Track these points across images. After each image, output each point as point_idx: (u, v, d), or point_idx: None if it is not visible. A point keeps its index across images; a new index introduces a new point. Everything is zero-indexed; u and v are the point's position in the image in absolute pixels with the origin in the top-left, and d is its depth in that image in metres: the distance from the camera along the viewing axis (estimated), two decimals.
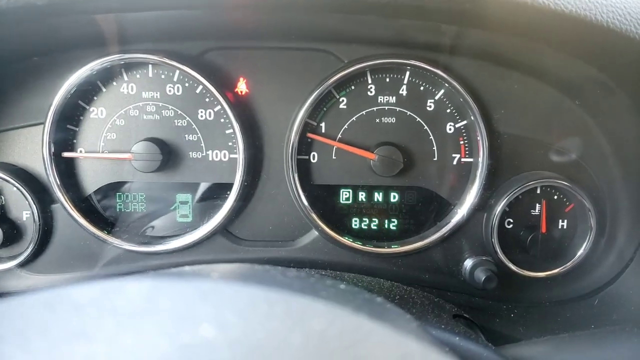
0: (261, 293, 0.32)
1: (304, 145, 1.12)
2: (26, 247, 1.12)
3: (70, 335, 0.28)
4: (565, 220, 1.13)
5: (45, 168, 1.09)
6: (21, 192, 1.10)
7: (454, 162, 1.13)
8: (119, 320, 0.29)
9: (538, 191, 1.12)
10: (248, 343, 0.27)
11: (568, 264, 1.12)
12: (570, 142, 1.11)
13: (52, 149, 1.08)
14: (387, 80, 1.10)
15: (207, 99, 1.11)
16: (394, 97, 1.11)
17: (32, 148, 1.11)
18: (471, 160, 1.12)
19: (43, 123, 1.08)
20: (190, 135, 1.12)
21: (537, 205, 1.13)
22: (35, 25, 0.86)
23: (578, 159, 1.11)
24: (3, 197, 1.13)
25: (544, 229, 1.12)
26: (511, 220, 1.13)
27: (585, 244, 1.11)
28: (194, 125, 1.12)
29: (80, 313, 0.29)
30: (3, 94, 1.08)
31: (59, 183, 1.09)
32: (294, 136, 1.09)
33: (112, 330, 0.28)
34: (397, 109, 1.11)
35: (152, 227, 1.16)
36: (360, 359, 0.27)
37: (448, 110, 1.11)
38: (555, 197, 1.13)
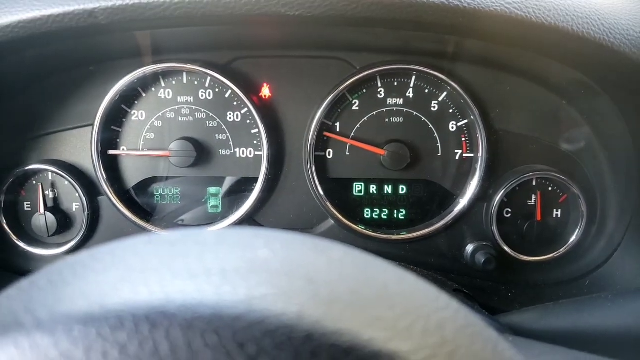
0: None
1: (321, 143, 1.24)
2: (76, 235, 1.25)
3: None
4: (559, 210, 1.23)
5: (94, 164, 1.22)
6: (72, 185, 1.23)
7: (457, 157, 1.23)
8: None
9: (534, 183, 1.22)
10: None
11: (561, 249, 1.21)
12: (562, 138, 1.20)
13: (100, 148, 1.22)
14: (395, 84, 1.21)
15: (235, 103, 1.23)
16: (402, 99, 1.22)
17: (82, 147, 1.24)
18: (472, 155, 1.22)
19: (92, 125, 1.21)
20: (220, 135, 1.24)
21: (533, 196, 1.22)
22: (91, 39, 0.99)
23: (570, 153, 1.21)
24: (56, 190, 1.26)
25: (539, 218, 1.21)
26: (509, 210, 1.23)
27: (577, 231, 1.21)
28: (224, 126, 1.24)
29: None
30: (59, 99, 1.21)
31: (105, 178, 1.22)
32: (312, 135, 1.21)
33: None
34: (405, 109, 1.22)
35: (186, 217, 1.29)
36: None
37: (450, 111, 1.22)
38: (550, 188, 1.22)
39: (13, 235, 1.24)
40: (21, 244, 1.24)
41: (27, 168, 1.22)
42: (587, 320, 0.79)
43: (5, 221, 1.23)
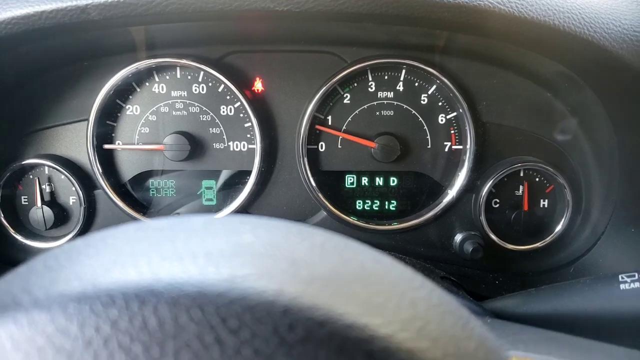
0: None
1: (313, 136, 1.26)
2: (73, 228, 1.27)
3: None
4: (546, 200, 1.26)
5: (89, 159, 1.24)
6: (69, 179, 1.25)
7: (446, 149, 1.25)
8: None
9: (521, 174, 1.24)
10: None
11: (547, 238, 1.24)
12: (548, 129, 1.23)
13: (95, 142, 1.23)
14: (386, 77, 1.23)
15: (228, 97, 1.25)
16: (392, 93, 1.24)
17: (78, 141, 1.26)
18: (460, 147, 1.25)
19: (87, 119, 1.22)
20: (214, 129, 1.26)
21: (520, 186, 1.25)
22: (84, 34, 1.00)
23: (556, 145, 1.23)
24: (53, 185, 1.28)
25: (526, 208, 1.24)
26: (497, 200, 1.25)
27: (563, 220, 1.23)
28: (217, 120, 1.26)
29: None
30: (55, 95, 1.23)
31: (101, 172, 1.24)
32: (304, 128, 1.23)
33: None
34: (395, 102, 1.24)
35: (182, 209, 1.31)
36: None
37: (439, 104, 1.24)
38: (537, 179, 1.25)
39: (11, 229, 1.26)
40: (19, 237, 1.26)
41: (23, 162, 1.24)
42: (566, 304, 0.82)
43: (3, 215, 1.25)
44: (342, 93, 1.24)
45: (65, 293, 0.33)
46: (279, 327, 0.31)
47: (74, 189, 1.26)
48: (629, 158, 1.11)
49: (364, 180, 1.28)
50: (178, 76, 1.25)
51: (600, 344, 0.64)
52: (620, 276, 0.76)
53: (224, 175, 1.29)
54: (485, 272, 1.26)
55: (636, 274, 0.75)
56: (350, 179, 1.29)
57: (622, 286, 0.75)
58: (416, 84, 1.23)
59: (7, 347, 0.31)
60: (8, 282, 0.36)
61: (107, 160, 1.27)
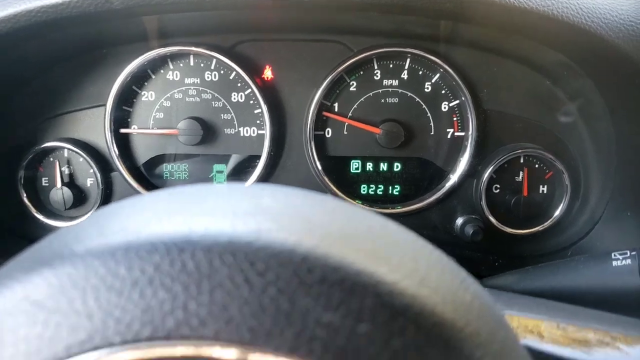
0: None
1: (320, 123, 1.30)
2: (91, 208, 1.33)
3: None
4: (545, 186, 1.30)
5: (107, 142, 1.29)
6: (87, 162, 1.30)
7: (448, 136, 1.30)
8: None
9: (521, 160, 1.29)
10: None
11: (546, 223, 1.29)
12: (548, 117, 1.27)
13: (112, 127, 1.28)
14: (391, 66, 1.28)
15: (239, 84, 1.29)
16: (397, 81, 1.28)
17: (96, 126, 1.31)
18: (462, 134, 1.29)
19: (104, 105, 1.28)
20: (225, 115, 1.31)
21: (520, 172, 1.29)
22: (105, 24, 1.05)
23: (555, 132, 1.27)
24: (72, 167, 1.33)
25: (525, 193, 1.28)
26: (497, 185, 1.30)
27: (561, 206, 1.28)
28: (228, 106, 1.31)
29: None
30: (74, 81, 1.28)
31: (117, 155, 1.29)
32: (311, 114, 1.27)
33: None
34: (399, 90, 1.28)
35: None
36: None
37: (443, 92, 1.28)
38: (536, 165, 1.29)
39: (32, 208, 1.32)
40: (40, 217, 1.32)
41: (44, 146, 1.29)
42: (561, 280, 0.87)
43: (25, 195, 1.31)
44: (349, 81, 1.29)
45: (113, 243, 0.38)
46: (299, 270, 0.35)
47: (91, 171, 1.31)
48: (627, 145, 1.16)
49: (369, 166, 1.33)
50: (191, 64, 1.30)
51: (591, 311, 0.69)
52: (613, 254, 0.81)
53: (235, 159, 1.34)
54: (485, 254, 1.31)
55: (628, 252, 0.80)
56: (356, 164, 1.33)
57: (614, 263, 0.80)
58: (420, 73, 1.28)
59: (67, 285, 0.36)
60: (62, 235, 0.42)
61: (124, 144, 1.32)
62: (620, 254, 0.79)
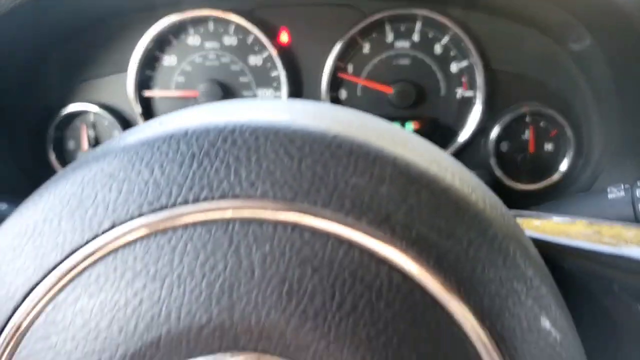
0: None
1: (335, 84, 1.37)
2: None
3: None
4: (550, 143, 1.36)
5: (131, 105, 1.36)
6: (112, 125, 1.38)
7: (457, 96, 1.36)
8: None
9: (527, 119, 1.34)
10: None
11: (552, 178, 1.34)
12: (553, 77, 1.32)
13: (136, 90, 1.36)
14: (402, 28, 1.33)
15: (256, 48, 1.36)
16: (408, 43, 1.34)
17: (120, 90, 1.38)
18: (471, 93, 1.35)
19: (128, 70, 1.35)
20: (243, 78, 1.38)
21: (527, 130, 1.35)
22: None
23: (560, 91, 1.33)
24: (97, 130, 1.41)
25: (532, 150, 1.34)
26: (505, 143, 1.36)
27: (566, 162, 1.34)
28: (246, 69, 1.37)
29: None
30: (99, 47, 1.35)
31: (141, 117, 1.37)
32: (326, 76, 1.34)
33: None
34: (411, 52, 1.34)
35: None
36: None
37: (452, 53, 1.34)
38: (542, 124, 1.35)
39: (61, 169, 1.39)
40: None
41: (72, 110, 1.37)
42: (561, 214, 0.93)
43: (55, 156, 1.38)
44: (362, 43, 1.35)
45: (174, 129, 0.45)
46: (330, 145, 0.42)
47: (116, 133, 1.39)
48: (627, 103, 1.21)
49: None
50: (211, 29, 1.36)
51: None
52: (609, 188, 0.87)
53: None
54: None
55: (622, 186, 0.86)
56: None
57: (610, 196, 0.86)
58: (430, 35, 1.33)
59: (135, 161, 0.43)
60: (131, 131, 0.49)
61: (147, 107, 1.39)
62: (615, 188, 0.85)
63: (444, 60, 1.34)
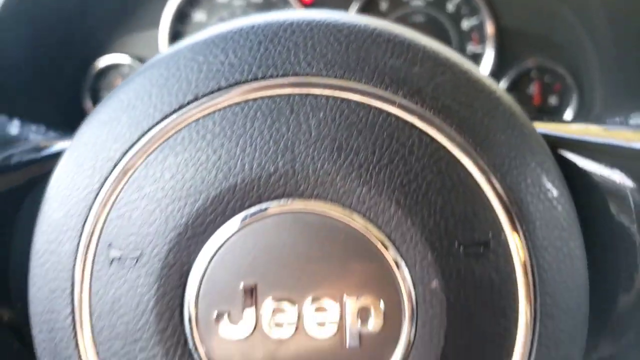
0: None
1: None
2: None
3: None
4: (554, 97, 1.44)
5: None
6: None
7: (467, 51, 1.44)
8: None
9: (533, 74, 1.43)
10: None
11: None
12: (558, 32, 1.40)
13: (168, 44, 1.45)
14: None
15: (280, 5, 1.44)
16: (423, 1, 1.42)
17: (153, 44, 1.47)
18: (481, 49, 1.43)
19: (160, 25, 1.44)
20: None
21: (532, 85, 1.43)
22: None
23: (564, 46, 1.41)
24: None
25: (537, 103, 1.43)
26: (512, 96, 1.44)
27: (569, 113, 1.42)
28: None
29: None
30: (134, 4, 1.44)
31: None
32: None
33: None
34: (425, 10, 1.43)
35: None
36: None
37: (463, 11, 1.42)
38: (546, 78, 1.43)
39: None
40: None
41: (107, 62, 1.46)
42: None
43: (92, 103, 1.48)
44: (379, 1, 1.43)
45: (240, 25, 0.54)
46: (371, 35, 0.51)
47: None
48: (626, 56, 1.29)
49: None
50: None
51: None
52: (606, 120, 0.96)
53: None
54: None
55: (617, 118, 0.94)
56: None
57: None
58: None
59: (214, 52, 0.52)
60: (215, 27, 0.58)
61: None
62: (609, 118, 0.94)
63: (455, 17, 1.43)
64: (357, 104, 0.50)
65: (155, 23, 1.46)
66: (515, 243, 0.50)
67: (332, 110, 0.50)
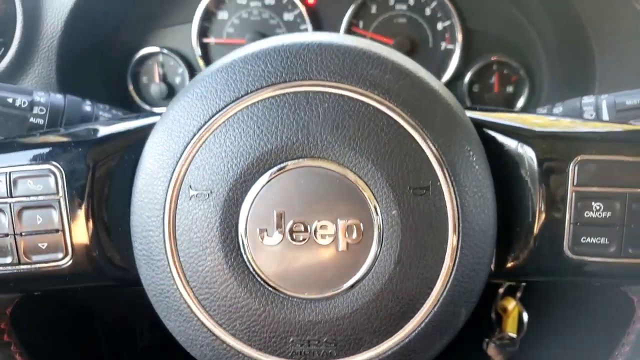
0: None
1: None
2: None
3: None
4: (511, 86, 1.68)
5: (193, 49, 1.68)
6: (177, 64, 1.70)
7: (441, 48, 1.68)
8: None
9: (494, 67, 1.67)
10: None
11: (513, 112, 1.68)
12: (513, 33, 1.64)
13: (198, 37, 1.67)
14: None
15: (289, 6, 1.66)
16: (405, 5, 1.65)
17: (184, 38, 1.69)
18: (452, 46, 1.66)
19: (191, 22, 1.66)
20: (279, 30, 1.69)
21: (493, 76, 1.67)
22: None
23: (518, 44, 1.65)
24: (164, 68, 1.73)
25: (496, 91, 1.67)
26: (476, 85, 1.68)
27: (522, 100, 1.67)
28: (281, 24, 1.68)
29: None
30: (169, 3, 1.66)
31: (201, 58, 1.69)
32: (343, 30, 1.65)
33: None
34: (407, 13, 1.65)
35: None
36: None
37: (439, 14, 1.65)
38: (505, 71, 1.67)
39: (137, 98, 1.73)
40: (144, 105, 1.73)
41: (146, 52, 1.69)
42: None
43: (132, 86, 1.71)
44: (370, 5, 1.65)
45: (273, 45, 0.78)
46: (360, 51, 0.75)
47: (180, 71, 1.71)
48: (568, 52, 1.53)
49: None
50: None
51: None
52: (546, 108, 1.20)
53: None
54: None
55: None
56: None
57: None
58: (422, 0, 1.64)
59: (256, 62, 0.76)
60: (255, 44, 0.82)
61: (205, 51, 1.71)
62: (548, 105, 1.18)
63: (432, 20, 1.65)
64: (349, 98, 0.74)
65: (183, 20, 1.68)
66: (447, 188, 0.75)
67: (333, 102, 0.74)
